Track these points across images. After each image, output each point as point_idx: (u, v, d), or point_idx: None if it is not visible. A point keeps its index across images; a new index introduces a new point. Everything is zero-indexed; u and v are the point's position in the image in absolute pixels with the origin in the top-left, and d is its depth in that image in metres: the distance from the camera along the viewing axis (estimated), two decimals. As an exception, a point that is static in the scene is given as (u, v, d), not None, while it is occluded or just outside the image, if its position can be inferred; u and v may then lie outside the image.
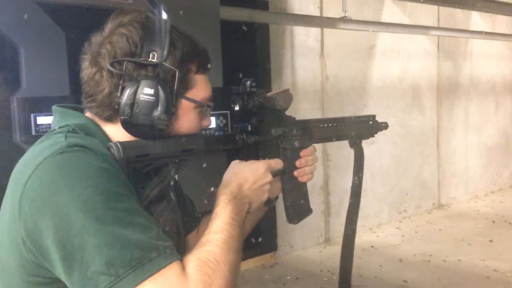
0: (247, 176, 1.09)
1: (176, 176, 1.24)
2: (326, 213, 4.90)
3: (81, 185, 0.82)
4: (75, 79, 2.90)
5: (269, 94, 1.20)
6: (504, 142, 7.22)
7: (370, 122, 1.50)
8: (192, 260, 0.86)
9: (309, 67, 4.68)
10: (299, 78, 4.57)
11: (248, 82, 1.16)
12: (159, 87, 0.94)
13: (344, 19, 4.40)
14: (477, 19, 6.44)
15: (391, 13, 5.40)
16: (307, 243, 4.75)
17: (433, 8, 5.79)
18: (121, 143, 0.92)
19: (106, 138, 0.97)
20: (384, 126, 1.54)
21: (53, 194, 0.82)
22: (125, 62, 0.94)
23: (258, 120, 1.19)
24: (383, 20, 5.25)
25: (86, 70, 0.98)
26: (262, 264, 4.29)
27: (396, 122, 5.45)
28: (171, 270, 0.82)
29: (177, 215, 1.13)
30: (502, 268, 4.03)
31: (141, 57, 0.95)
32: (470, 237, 4.94)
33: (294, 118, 1.27)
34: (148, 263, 0.81)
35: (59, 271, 0.84)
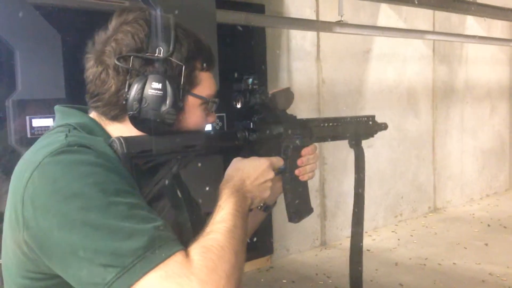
0: (249, 172, 1.09)
1: (181, 177, 1.24)
2: (322, 217, 4.90)
3: (81, 183, 0.83)
4: (71, 81, 2.91)
5: (270, 92, 1.20)
6: (499, 146, 7.24)
7: (370, 123, 1.51)
8: (196, 247, 0.87)
9: (305, 70, 4.69)
10: (295, 82, 4.57)
11: (250, 79, 1.15)
12: (167, 82, 0.94)
13: (340, 23, 4.41)
14: (473, 24, 6.47)
15: (387, 17, 5.42)
16: (303, 246, 4.75)
17: (429, 12, 5.81)
18: (123, 138, 0.93)
19: (108, 137, 0.97)
20: (383, 126, 1.55)
21: (54, 193, 0.83)
22: (131, 58, 0.94)
23: (259, 118, 1.19)
24: (379, 24, 5.27)
25: (91, 69, 0.97)
26: (258, 267, 4.28)
27: (392, 126, 5.43)
28: (176, 258, 0.82)
29: (183, 213, 1.12)
30: (497, 272, 4.04)
31: (147, 53, 0.95)
32: (466, 240, 4.95)
33: (295, 116, 1.27)
34: (153, 252, 0.81)
35: (62, 269, 0.84)
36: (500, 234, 5.16)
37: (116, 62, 0.94)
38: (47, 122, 2.56)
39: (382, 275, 4.07)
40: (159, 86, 0.94)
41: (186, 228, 1.11)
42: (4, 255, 0.94)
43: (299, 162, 1.25)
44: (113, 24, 0.98)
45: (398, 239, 5.06)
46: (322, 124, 1.34)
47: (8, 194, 0.93)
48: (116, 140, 0.92)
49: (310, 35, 4.70)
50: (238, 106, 1.16)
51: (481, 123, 6.87)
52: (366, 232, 5.26)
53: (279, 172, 1.20)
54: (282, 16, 4.42)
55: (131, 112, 0.94)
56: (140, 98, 0.93)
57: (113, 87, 0.95)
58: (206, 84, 1.04)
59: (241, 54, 3.85)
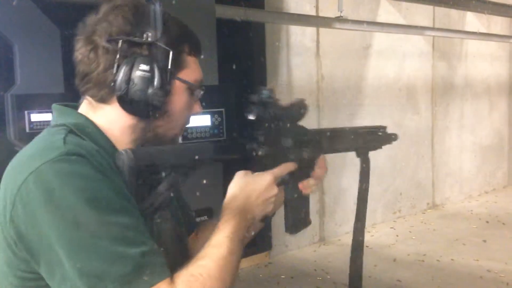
0: (253, 190, 1.07)
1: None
2: (321, 213, 4.90)
3: (75, 198, 0.83)
4: (70, 76, 2.89)
5: (284, 104, 1.17)
6: (498, 142, 7.25)
7: (380, 133, 1.47)
8: (184, 275, 0.86)
9: (305, 66, 4.68)
10: (295, 77, 4.57)
11: (266, 92, 1.12)
12: (154, 64, 0.95)
13: (340, 19, 4.40)
14: (472, 20, 6.45)
15: (386, 13, 5.40)
16: (302, 242, 4.75)
17: (429, 8, 5.80)
18: (132, 150, 0.91)
19: (101, 137, 0.98)
20: (393, 137, 1.51)
21: (48, 203, 0.83)
22: (120, 40, 0.95)
23: (269, 130, 1.15)
24: (378, 20, 5.26)
25: (80, 49, 0.98)
26: (257, 263, 4.28)
27: (391, 122, 5.46)
28: (160, 286, 0.82)
29: (179, 219, 1.13)
30: (496, 268, 4.05)
31: (136, 36, 0.96)
32: (464, 237, 4.95)
33: (305, 128, 1.24)
34: (137, 280, 0.81)
35: (48, 276, 0.85)
36: (498, 230, 5.17)
37: (105, 44, 0.95)
38: (46, 117, 2.55)
39: (380, 271, 4.08)
40: (147, 67, 0.94)
41: (182, 234, 1.11)
42: (2, 262, 0.94)
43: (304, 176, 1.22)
44: (104, 7, 1.00)
45: (397, 235, 5.07)
46: (331, 135, 1.29)
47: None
48: (123, 153, 0.91)
49: (310, 30, 4.69)
50: (251, 117, 1.13)
51: (480, 119, 6.87)
52: (364, 228, 5.26)
53: (282, 183, 1.17)
54: (282, 12, 4.41)
55: (118, 92, 0.95)
56: (128, 79, 0.94)
57: (101, 66, 0.96)
58: (192, 69, 1.04)
59: (240, 50, 3.84)
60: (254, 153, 1.12)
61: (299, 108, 1.18)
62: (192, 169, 1.01)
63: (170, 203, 1.04)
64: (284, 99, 1.24)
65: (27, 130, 2.58)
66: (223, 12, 3.52)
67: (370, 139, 1.44)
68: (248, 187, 1.07)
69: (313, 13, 4.69)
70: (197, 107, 1.09)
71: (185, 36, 1.03)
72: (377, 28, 5.00)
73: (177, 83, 1.01)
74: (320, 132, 1.28)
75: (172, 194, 1.02)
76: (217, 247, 0.93)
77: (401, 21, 5.51)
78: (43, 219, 0.82)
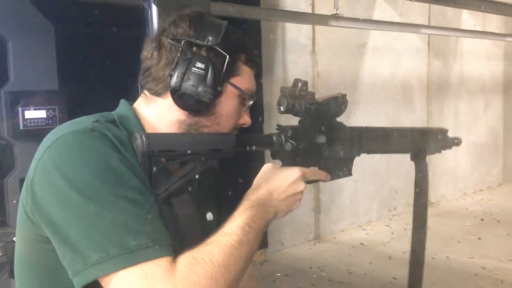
0: (278, 184, 1.06)
1: (213, 178, 1.22)
2: (316, 211, 4.90)
3: (88, 168, 0.87)
4: (64, 73, 2.86)
5: (320, 98, 1.12)
6: (493, 140, 7.27)
7: (439, 137, 1.38)
8: (186, 257, 0.86)
9: (301, 63, 4.68)
10: (290, 75, 4.56)
11: (299, 84, 1.09)
12: (210, 65, 1.02)
13: (336, 16, 4.39)
14: (468, 18, 6.47)
15: (382, 11, 5.40)
16: (297, 240, 4.76)
17: (424, 6, 5.80)
18: (146, 135, 0.94)
19: (140, 129, 1.03)
20: (456, 142, 1.43)
21: (60, 168, 0.88)
22: (183, 41, 1.03)
23: (302, 124, 1.11)
24: (374, 17, 5.26)
25: (148, 47, 1.07)
26: (252, 261, 4.28)
27: (386, 120, 5.46)
28: (160, 262, 0.83)
29: (200, 206, 1.11)
30: (490, 266, 4.06)
31: (198, 39, 1.04)
32: (459, 234, 4.97)
33: (344, 124, 1.17)
34: (139, 250, 0.83)
35: (52, 237, 0.88)
36: (493, 228, 5.19)
37: (169, 43, 1.03)
38: (40, 113, 2.54)
39: (375, 268, 4.09)
40: (202, 66, 1.01)
41: (204, 228, 1.10)
42: (19, 222, 0.99)
43: None
44: (173, 14, 1.09)
45: (392, 233, 5.08)
46: (376, 135, 1.22)
47: None
48: (137, 136, 0.93)
49: (306, 28, 4.69)
50: (282, 109, 1.08)
51: (475, 117, 6.88)
52: (360, 226, 5.28)
53: (312, 183, 1.13)
54: (277, 9, 4.40)
55: (172, 86, 1.01)
56: (183, 73, 1.01)
57: (162, 62, 1.04)
58: (245, 78, 1.09)
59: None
60: (280, 146, 1.08)
61: (339, 104, 1.14)
62: (211, 159, 1.01)
63: (188, 190, 1.04)
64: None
65: (21, 127, 2.56)
66: (218, 9, 3.51)
67: (426, 141, 1.35)
68: (274, 181, 1.06)
69: (308, 10, 4.68)
70: (246, 117, 1.11)
71: (243, 47, 1.09)
72: (372, 26, 5.00)
73: (228, 87, 1.06)
74: (361, 130, 1.20)
75: (189, 181, 1.02)
76: (226, 235, 0.92)
77: (396, 19, 5.51)
78: (54, 182, 0.87)
